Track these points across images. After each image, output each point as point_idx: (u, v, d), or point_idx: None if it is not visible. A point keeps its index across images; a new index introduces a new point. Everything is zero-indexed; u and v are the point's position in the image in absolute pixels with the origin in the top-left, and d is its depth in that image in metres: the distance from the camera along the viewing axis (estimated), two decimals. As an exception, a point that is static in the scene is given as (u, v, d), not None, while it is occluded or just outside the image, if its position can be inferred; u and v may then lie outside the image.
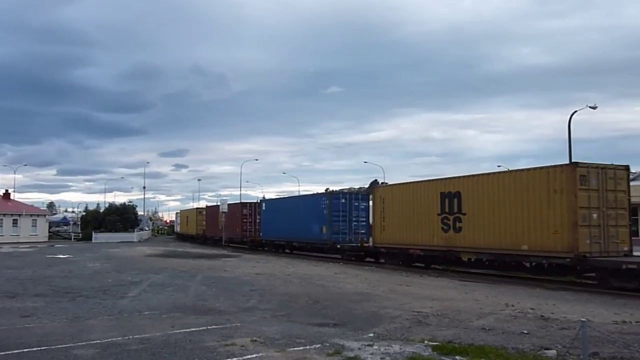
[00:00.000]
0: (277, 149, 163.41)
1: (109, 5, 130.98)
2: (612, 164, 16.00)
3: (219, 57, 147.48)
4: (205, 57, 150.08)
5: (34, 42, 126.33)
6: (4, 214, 52.73)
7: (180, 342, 7.86)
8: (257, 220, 38.64)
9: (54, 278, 17.90)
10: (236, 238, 41.70)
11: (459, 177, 19.79)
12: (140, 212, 76.54)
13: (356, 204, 28.56)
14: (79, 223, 70.39)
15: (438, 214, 20.10)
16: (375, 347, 7.47)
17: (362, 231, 27.97)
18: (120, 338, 8.14)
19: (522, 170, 17.38)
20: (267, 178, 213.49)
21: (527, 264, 17.23)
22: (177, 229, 71.51)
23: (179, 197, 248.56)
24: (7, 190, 60.23)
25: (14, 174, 71.14)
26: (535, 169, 16.73)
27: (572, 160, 18.54)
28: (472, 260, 18.88)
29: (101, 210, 69.65)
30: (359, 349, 7.36)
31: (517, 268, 17.72)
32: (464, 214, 18.97)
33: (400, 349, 7.36)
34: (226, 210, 43.12)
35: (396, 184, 24.92)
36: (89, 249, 39.67)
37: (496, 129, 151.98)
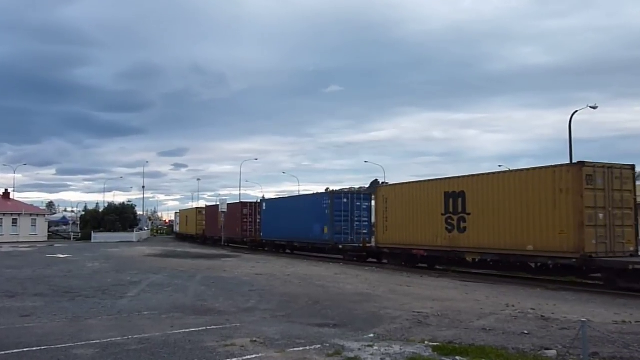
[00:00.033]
0: (277, 148, 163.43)
1: (108, 4, 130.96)
2: (618, 164, 15.81)
3: (218, 56, 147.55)
4: (205, 56, 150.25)
5: (34, 41, 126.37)
6: (4, 214, 52.66)
7: (180, 342, 7.85)
8: (258, 220, 38.32)
9: (53, 278, 17.88)
10: (236, 238, 41.46)
11: (464, 176, 19.57)
12: (139, 212, 76.75)
13: (358, 203, 28.33)
14: (79, 223, 70.34)
15: (442, 214, 19.86)
16: (375, 347, 7.46)
17: (365, 231, 27.77)
18: (119, 338, 8.13)
19: (528, 169, 17.11)
20: (266, 178, 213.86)
21: (532, 265, 17.08)
22: (177, 228, 71.39)
23: (178, 196, 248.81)
24: (6, 190, 60.20)
25: (14, 173, 71.48)
26: (541, 168, 16.54)
27: (573, 160, 18.49)
28: (477, 260, 18.69)
29: (100, 210, 69.59)
30: (359, 349, 7.35)
31: (522, 269, 17.57)
32: (469, 214, 18.75)
33: (401, 349, 7.35)
34: (225, 210, 42.83)
35: (399, 184, 24.62)
36: (88, 248, 39.63)
37: (497, 128, 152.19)
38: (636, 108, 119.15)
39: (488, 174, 19.09)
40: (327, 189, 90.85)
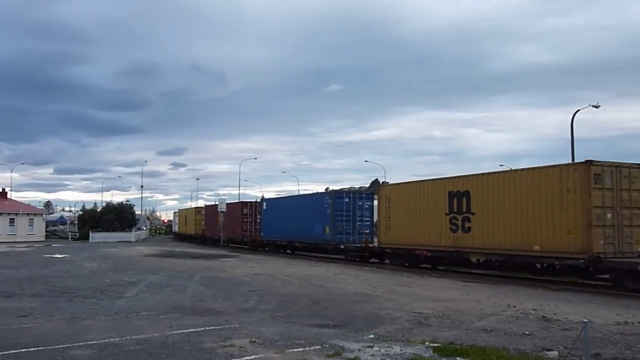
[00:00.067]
0: (277, 147, 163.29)
1: (106, 1, 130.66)
2: (626, 162, 15.59)
3: (217, 54, 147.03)
4: (204, 55, 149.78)
5: (31, 39, 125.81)
6: (1, 213, 52.54)
7: (178, 343, 7.80)
8: (258, 220, 38.04)
9: (51, 278, 17.81)
10: (236, 238, 41.19)
11: (468, 175, 19.28)
12: (137, 212, 76.57)
13: (360, 203, 28.12)
14: (76, 222, 70.26)
15: (446, 214, 19.60)
16: (375, 348, 7.42)
17: (367, 231, 27.57)
18: (117, 339, 8.08)
19: (534, 168, 16.87)
20: (266, 177, 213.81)
21: (538, 265, 16.90)
22: (175, 228, 71.27)
23: (176, 196, 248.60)
24: (3, 189, 60.07)
25: (11, 172, 71.07)
26: (547, 167, 16.34)
27: (576, 160, 18.38)
28: (481, 261, 18.48)
29: (98, 210, 69.33)
30: (359, 350, 7.31)
31: (528, 269, 17.41)
32: (473, 214, 18.49)
33: (401, 350, 7.31)
34: (224, 210, 42.61)
35: (402, 183, 24.31)
36: (86, 248, 39.54)
37: (498, 127, 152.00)
38: (638, 107, 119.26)
39: (493, 173, 18.94)
40: (327, 188, 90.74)
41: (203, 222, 51.81)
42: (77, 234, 60.93)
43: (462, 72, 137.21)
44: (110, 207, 67.28)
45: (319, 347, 7.55)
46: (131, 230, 61.24)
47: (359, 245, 26.22)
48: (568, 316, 10.36)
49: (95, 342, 7.86)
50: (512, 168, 21.07)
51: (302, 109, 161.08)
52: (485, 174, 18.84)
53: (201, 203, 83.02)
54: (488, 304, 12.11)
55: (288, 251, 33.69)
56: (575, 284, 16.20)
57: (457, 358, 6.86)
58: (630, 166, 15.48)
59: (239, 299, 12.71)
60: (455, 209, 19.31)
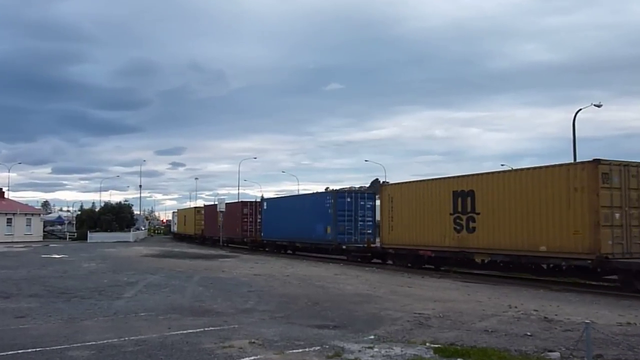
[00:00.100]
0: (276, 147, 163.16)
1: (105, 0, 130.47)
2: (634, 161, 15.39)
3: (216, 53, 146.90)
4: (203, 54, 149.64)
5: (29, 37, 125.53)
6: (-2, 213, 52.41)
7: (177, 344, 7.76)
8: (258, 220, 37.76)
9: (48, 278, 17.74)
10: (236, 238, 40.92)
11: (473, 175, 18.99)
12: (136, 212, 76.40)
13: (362, 203, 27.86)
14: (74, 222, 70.05)
15: (450, 214, 19.33)
16: (375, 349, 7.39)
17: (369, 231, 27.35)
18: (116, 339, 8.04)
19: (541, 167, 16.61)
20: (265, 177, 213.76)
21: (545, 266, 16.72)
22: (174, 228, 71.08)
23: (175, 196, 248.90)
24: (1, 189, 59.88)
25: (8, 172, 70.79)
26: (554, 166, 16.13)
27: (577, 159, 18.25)
28: (486, 262, 18.28)
29: (97, 210, 69.33)
30: (359, 351, 7.28)
31: (534, 270, 17.23)
32: (478, 214, 18.22)
33: (402, 351, 7.28)
34: (224, 210, 42.37)
35: (405, 182, 24.00)
36: (84, 248, 39.43)
37: (499, 127, 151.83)
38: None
39: (498, 172, 18.77)
40: (327, 188, 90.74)
41: (202, 222, 51.60)
42: (75, 234, 60.75)
43: (462, 71, 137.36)
44: (108, 207, 67.22)
45: (318, 348, 7.51)
46: (130, 230, 61.12)
47: (361, 245, 26.01)
48: (570, 317, 10.31)
49: (94, 343, 7.81)
50: (513, 168, 20.88)
51: (302, 107, 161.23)
52: (490, 173, 18.65)
53: (200, 203, 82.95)
54: (489, 304, 12.06)
55: (289, 251, 33.43)
56: (577, 285, 16.11)
57: (458, 359, 6.83)
58: (638, 165, 15.23)
59: (238, 300, 12.66)
60: (459, 209, 19.04)
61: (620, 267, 14.44)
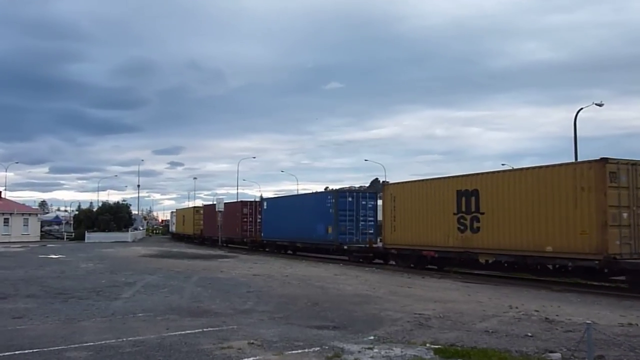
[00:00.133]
0: (275, 146, 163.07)
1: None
2: None
3: (215, 52, 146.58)
4: (202, 52, 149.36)
5: (26, 36, 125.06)
6: (-5, 213, 52.26)
7: (176, 344, 7.71)
8: (259, 220, 37.50)
9: (46, 279, 17.66)
10: (236, 238, 40.67)
11: (477, 174, 18.71)
12: (134, 211, 76.22)
13: (364, 202, 27.64)
14: (72, 222, 69.91)
15: (454, 214, 19.05)
16: (375, 350, 7.36)
17: (371, 231, 27.15)
18: (113, 340, 7.99)
19: (547, 166, 16.29)
20: (265, 176, 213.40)
21: (550, 267, 16.56)
22: (173, 228, 70.91)
23: (174, 195, 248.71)
24: (-2, 189, 59.76)
25: (5, 171, 70.59)
26: (560, 165, 15.95)
27: (579, 159, 18.07)
28: (490, 262, 18.10)
29: (94, 209, 69.29)
30: (359, 352, 7.24)
31: (540, 271, 17.07)
32: (482, 214, 17.95)
33: (402, 352, 7.25)
34: (222, 210, 42.21)
35: (408, 182, 23.69)
36: (81, 248, 39.33)
37: (500, 126, 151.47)
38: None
39: (504, 171, 18.60)
40: (327, 188, 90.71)
41: (202, 222, 51.33)
42: (73, 234, 60.58)
43: (463, 70, 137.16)
44: (106, 207, 67.16)
45: (318, 348, 7.48)
46: (128, 230, 61.02)
47: (362, 245, 25.82)
48: (571, 317, 10.27)
49: (91, 343, 7.77)
50: (514, 167, 20.78)
51: (302, 107, 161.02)
52: (495, 172, 18.50)
53: (199, 203, 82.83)
54: (490, 305, 12.02)
55: (289, 252, 33.20)
56: (579, 285, 16.03)
57: (459, 360, 6.80)
58: None
59: (237, 300, 12.60)
60: (463, 209, 18.80)
61: (628, 267, 14.24)
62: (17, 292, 14.08)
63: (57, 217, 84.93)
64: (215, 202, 45.65)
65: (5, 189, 64.66)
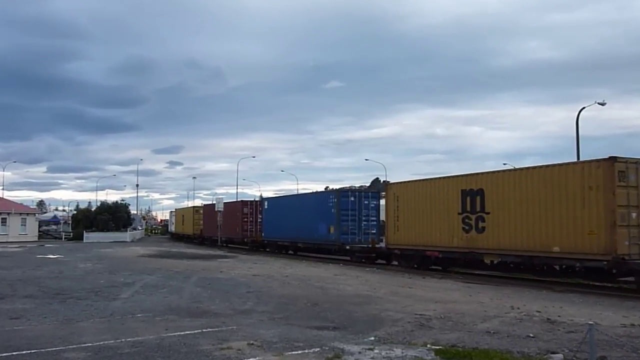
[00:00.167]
0: (275, 145, 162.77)
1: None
2: None
3: (215, 50, 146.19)
4: (201, 51, 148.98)
5: (24, 34, 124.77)
6: (-7, 213, 52.13)
7: (175, 345, 7.67)
8: (259, 220, 37.28)
9: (44, 279, 17.59)
10: (236, 238, 40.43)
11: (482, 173, 18.49)
12: (133, 211, 76.09)
13: (366, 202, 27.43)
14: (70, 222, 69.79)
15: (459, 213, 18.80)
16: (376, 351, 7.32)
17: (373, 231, 26.95)
18: (112, 341, 7.95)
19: (554, 165, 16.04)
20: (264, 176, 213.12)
21: (557, 267, 16.41)
22: (172, 228, 70.76)
23: (173, 195, 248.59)
24: (-4, 189, 59.64)
25: (3, 171, 70.49)
26: (568, 164, 15.79)
27: (581, 158, 17.90)
28: (495, 263, 17.94)
29: (93, 209, 69.02)
30: (360, 352, 7.21)
31: (547, 271, 16.91)
32: (488, 213, 17.71)
33: (402, 353, 7.21)
34: (222, 209, 42.07)
35: (412, 181, 23.13)
36: (80, 248, 39.25)
37: (501, 125, 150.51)
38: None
39: (509, 170, 18.43)
40: (327, 187, 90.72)
41: (201, 222, 51.09)
42: (71, 234, 60.45)
43: (464, 69, 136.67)
44: (104, 207, 66.90)
45: (318, 349, 7.45)
46: (126, 230, 60.91)
47: (365, 245, 25.63)
48: (573, 318, 10.23)
49: (90, 344, 7.73)
50: (515, 167, 20.62)
51: (302, 106, 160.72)
52: (500, 171, 18.35)
53: (198, 202, 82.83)
54: (491, 305, 11.97)
55: (290, 252, 33.00)
56: (581, 286, 15.94)
57: (460, 361, 6.76)
58: None
59: (237, 301, 12.55)
60: (468, 208, 18.57)
61: (637, 268, 14.05)
62: (15, 293, 14.01)
63: (55, 216, 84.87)
64: (214, 202, 45.56)
65: (3, 189, 65.17)
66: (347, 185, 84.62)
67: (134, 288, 15.01)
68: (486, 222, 17.90)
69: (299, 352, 7.31)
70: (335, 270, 21.47)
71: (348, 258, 26.48)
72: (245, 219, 39.12)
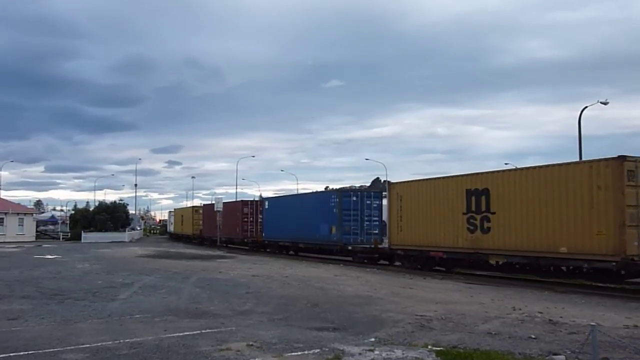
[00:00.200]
0: (275, 145, 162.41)
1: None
2: None
3: (214, 49, 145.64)
4: (201, 49, 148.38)
5: (22, 33, 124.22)
6: (-10, 213, 51.98)
7: (173, 346, 7.63)
8: (260, 220, 37.06)
9: (41, 279, 17.53)
10: (236, 239, 40.20)
11: (487, 172, 18.30)
12: (131, 211, 76.03)
13: (368, 202, 27.21)
14: (68, 222, 69.67)
15: (463, 213, 18.54)
16: (376, 352, 7.29)
17: (375, 231, 26.76)
18: (110, 342, 7.91)
19: (561, 164, 15.78)
20: (264, 175, 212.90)
21: (564, 268, 16.25)
22: (171, 228, 70.59)
23: (172, 195, 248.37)
24: (-7, 188, 59.49)
25: (0, 170, 70.41)
26: (576, 163, 15.64)
27: (583, 157, 17.78)
28: (501, 263, 17.75)
29: (91, 209, 68.74)
30: (360, 354, 7.18)
31: (553, 272, 16.73)
32: (493, 213, 17.48)
33: (403, 354, 7.18)
34: (221, 209, 41.90)
35: (415, 180, 22.85)
36: (78, 249, 39.18)
37: (503, 125, 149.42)
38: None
39: (515, 169, 18.32)
40: (327, 187, 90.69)
41: (201, 222, 50.82)
42: (69, 234, 60.38)
43: (465, 68, 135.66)
44: (103, 207, 66.67)
45: (318, 350, 7.41)
46: (125, 230, 60.82)
47: (367, 246, 25.48)
48: (575, 319, 10.19)
49: (88, 345, 7.68)
50: (517, 166, 20.56)
51: (302, 105, 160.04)
52: (506, 170, 18.20)
53: (197, 202, 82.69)
54: (492, 306, 11.93)
55: (291, 252, 32.79)
56: (583, 287, 15.82)
57: (461, 362, 6.73)
58: None
59: (236, 301, 12.50)
60: (473, 208, 18.36)
61: None
62: (12, 293, 13.95)
63: (53, 216, 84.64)
64: (214, 202, 45.43)
65: (0, 188, 64.54)
66: (347, 185, 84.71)
67: (133, 289, 14.96)
68: (491, 222, 17.72)
69: (299, 353, 7.27)
70: (335, 271, 21.42)
71: (350, 259, 26.33)
72: (246, 219, 38.88)
